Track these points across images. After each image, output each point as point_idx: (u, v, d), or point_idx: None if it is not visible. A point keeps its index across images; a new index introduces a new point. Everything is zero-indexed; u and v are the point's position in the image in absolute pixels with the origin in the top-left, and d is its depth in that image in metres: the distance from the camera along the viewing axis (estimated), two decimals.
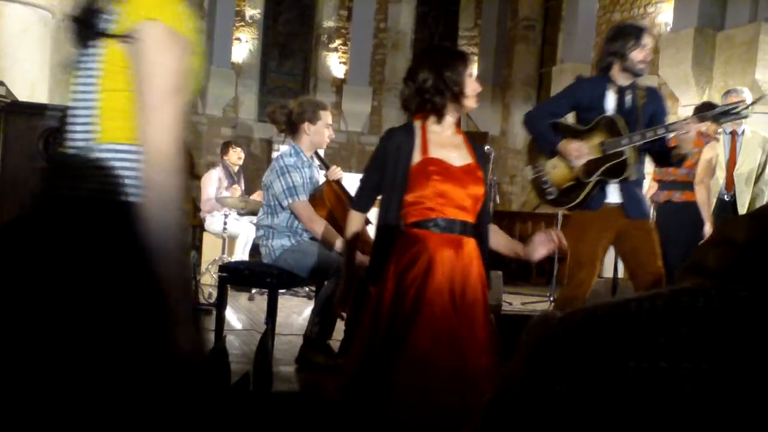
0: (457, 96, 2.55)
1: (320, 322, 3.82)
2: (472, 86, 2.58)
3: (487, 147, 8.54)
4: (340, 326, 4.03)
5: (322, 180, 4.28)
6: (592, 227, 3.72)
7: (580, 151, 3.68)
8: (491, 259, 2.66)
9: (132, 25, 1.34)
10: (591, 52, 10.09)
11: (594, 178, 3.70)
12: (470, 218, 2.54)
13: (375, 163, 2.68)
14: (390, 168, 2.57)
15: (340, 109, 13.05)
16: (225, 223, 6.31)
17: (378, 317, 2.41)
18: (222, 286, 4.08)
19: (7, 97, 3.36)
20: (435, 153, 2.53)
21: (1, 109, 3.32)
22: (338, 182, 4.30)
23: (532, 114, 3.94)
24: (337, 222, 4.03)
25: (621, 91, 3.77)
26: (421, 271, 2.39)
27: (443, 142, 2.59)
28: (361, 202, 2.74)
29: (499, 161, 10.97)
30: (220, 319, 4.02)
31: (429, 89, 2.54)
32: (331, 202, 4.09)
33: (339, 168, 4.33)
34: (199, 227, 7.43)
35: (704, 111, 4.16)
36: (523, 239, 2.68)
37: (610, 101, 3.77)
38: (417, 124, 2.61)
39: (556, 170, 3.84)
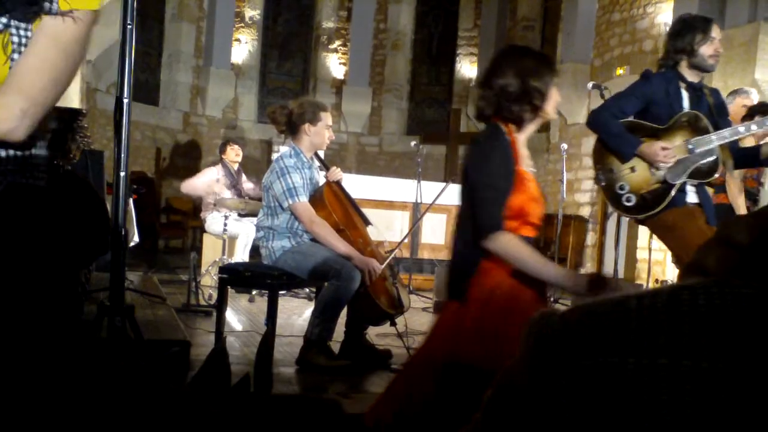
0: (539, 108, 2.32)
1: (321, 324, 3.82)
2: (555, 97, 2.37)
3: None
4: (340, 328, 4.03)
5: (322, 181, 4.27)
6: (694, 218, 3.43)
7: (668, 152, 3.39)
8: None
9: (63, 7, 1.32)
10: (590, 52, 10.09)
11: (683, 180, 3.42)
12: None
13: (501, 170, 2.28)
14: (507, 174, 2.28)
15: (339, 110, 13.05)
16: (225, 225, 6.31)
17: (459, 339, 2.18)
18: (222, 287, 4.07)
19: None
20: (522, 165, 2.32)
21: None
22: (338, 183, 4.30)
23: (599, 114, 3.55)
24: (337, 223, 4.03)
25: (693, 88, 3.53)
26: (510, 293, 2.20)
27: (522, 153, 2.36)
28: (499, 219, 2.27)
29: None
30: (221, 321, 4.02)
31: (511, 97, 2.31)
32: (331, 203, 4.08)
33: (339, 169, 4.33)
34: (199, 228, 7.43)
35: (762, 110, 4.05)
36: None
37: (685, 98, 3.52)
38: (504, 129, 2.36)
39: (634, 174, 3.51)
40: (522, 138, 2.40)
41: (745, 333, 0.50)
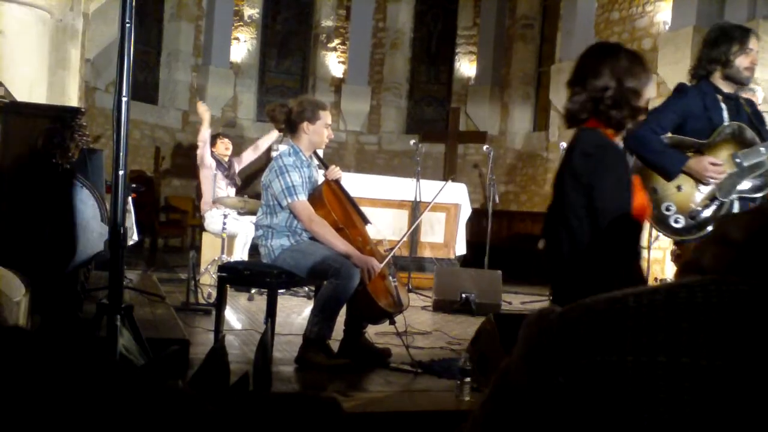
0: (636, 111, 2.22)
1: (320, 322, 3.82)
2: (646, 96, 2.28)
3: (486, 147, 8.56)
4: (339, 326, 4.03)
5: (321, 180, 4.27)
6: None
7: (718, 167, 3.21)
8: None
9: None
10: None
11: (734, 196, 3.27)
12: None
13: (624, 181, 2.20)
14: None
15: (338, 109, 13.04)
16: (224, 223, 6.31)
17: None
18: (221, 286, 4.07)
19: (6, 97, 3.36)
20: None
21: None
22: (337, 182, 4.29)
23: (639, 132, 3.19)
24: (336, 222, 4.03)
25: (730, 99, 3.39)
26: None
27: None
28: (633, 244, 2.18)
29: (498, 161, 10.97)
30: (220, 319, 4.02)
31: (610, 101, 2.20)
32: (330, 202, 4.08)
33: (338, 168, 4.33)
34: (198, 227, 7.46)
35: None
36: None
37: (724, 110, 3.37)
38: (604, 133, 2.26)
39: (681, 193, 3.32)
40: (618, 140, 2.29)
41: (742, 330, 0.50)
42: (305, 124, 4.07)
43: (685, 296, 0.53)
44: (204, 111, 7.38)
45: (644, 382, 0.50)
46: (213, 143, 7.47)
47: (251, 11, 12.67)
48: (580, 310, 0.56)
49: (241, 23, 12.60)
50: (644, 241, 8.06)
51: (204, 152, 7.16)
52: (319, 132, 4.10)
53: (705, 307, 0.52)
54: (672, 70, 7.95)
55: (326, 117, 4.13)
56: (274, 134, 7.23)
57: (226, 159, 7.39)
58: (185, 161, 11.27)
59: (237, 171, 7.55)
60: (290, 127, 4.13)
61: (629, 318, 0.53)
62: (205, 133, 7.24)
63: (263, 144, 7.59)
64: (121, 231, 2.47)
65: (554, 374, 0.53)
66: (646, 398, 0.50)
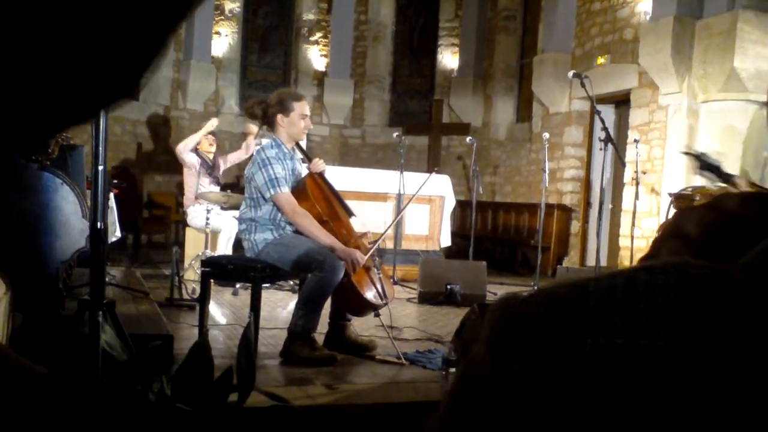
0: None
1: (304, 315, 3.81)
2: None
3: (469, 138, 8.57)
4: (324, 319, 4.03)
5: (304, 172, 4.26)
6: None
7: None
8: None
9: None
10: (571, 41, 10.12)
11: None
12: None
13: None
14: None
15: (321, 102, 13.02)
16: (207, 218, 6.28)
17: None
18: (205, 280, 4.06)
19: None
20: None
21: None
22: (321, 174, 4.29)
23: None
24: (320, 214, 4.02)
25: None
26: None
27: None
28: None
29: (481, 152, 10.99)
30: (203, 314, 4.00)
31: None
32: (314, 195, 4.08)
33: (322, 160, 4.32)
34: (182, 223, 7.43)
35: None
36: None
37: None
38: None
39: None
40: None
41: (701, 312, 0.51)
42: (280, 117, 4.06)
43: (645, 279, 0.53)
44: (211, 125, 7.33)
45: (603, 364, 0.50)
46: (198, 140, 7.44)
47: (232, 5, 12.60)
48: (543, 294, 0.56)
49: (222, 17, 12.53)
50: (627, 230, 8.12)
51: (185, 157, 7.11)
52: (296, 123, 4.08)
53: (664, 289, 0.52)
54: (653, 60, 7.99)
55: (301, 107, 4.10)
56: (255, 128, 7.21)
57: (211, 156, 7.35)
58: (168, 157, 11.20)
59: (222, 170, 7.52)
60: (267, 122, 4.12)
61: (589, 301, 0.53)
62: (191, 142, 7.19)
63: (252, 143, 7.50)
64: (100, 226, 2.45)
65: (515, 359, 0.53)
66: (605, 380, 0.50)
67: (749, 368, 0.49)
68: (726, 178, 3.63)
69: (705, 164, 3.69)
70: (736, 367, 0.49)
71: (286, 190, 3.95)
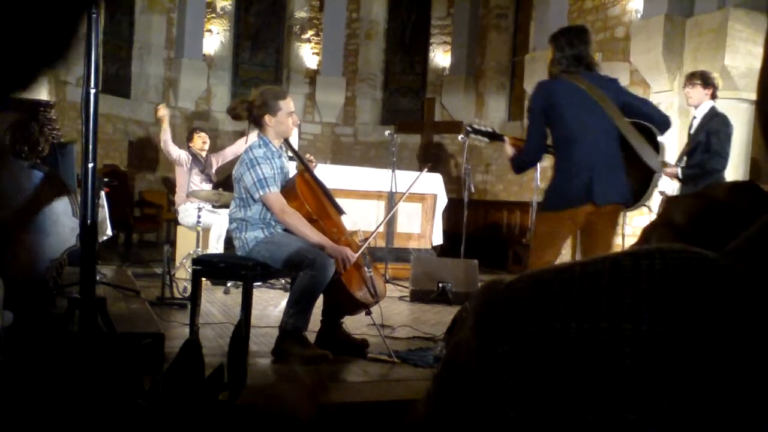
0: None
1: (295, 314, 3.81)
2: None
3: (461, 136, 8.58)
4: (316, 317, 4.03)
5: (293, 170, 4.25)
6: None
7: None
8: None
9: None
10: None
11: None
12: None
13: None
14: None
15: (313, 100, 13.00)
16: (199, 216, 6.27)
17: None
18: (196, 279, 4.05)
19: None
20: None
21: None
22: (311, 173, 4.28)
23: None
24: (309, 213, 4.02)
25: None
26: None
27: None
28: None
29: (473, 150, 10.99)
30: (195, 312, 3.99)
31: None
32: (304, 194, 4.07)
33: (312, 157, 4.32)
34: (173, 221, 7.40)
35: None
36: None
37: None
38: None
39: None
40: None
41: (685, 297, 0.51)
42: (267, 117, 4.04)
43: (630, 264, 0.54)
44: (163, 114, 7.25)
45: (587, 348, 0.51)
46: (190, 138, 7.40)
47: (223, 3, 12.57)
48: (528, 279, 0.56)
49: (214, 15, 12.49)
50: (618, 227, 8.14)
51: (170, 151, 7.10)
52: (283, 122, 4.07)
53: (648, 274, 0.52)
54: (644, 58, 8.01)
55: (287, 105, 4.09)
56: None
57: (204, 154, 7.31)
58: (159, 155, 11.17)
59: (216, 167, 7.47)
60: (254, 122, 4.11)
61: (574, 286, 0.54)
62: (164, 137, 7.16)
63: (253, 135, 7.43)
64: (90, 223, 2.44)
65: (499, 342, 0.53)
66: (589, 365, 0.50)
67: (732, 352, 0.49)
68: (495, 138, 4.21)
69: (474, 130, 4.15)
70: (720, 351, 0.49)
71: (275, 189, 3.94)
